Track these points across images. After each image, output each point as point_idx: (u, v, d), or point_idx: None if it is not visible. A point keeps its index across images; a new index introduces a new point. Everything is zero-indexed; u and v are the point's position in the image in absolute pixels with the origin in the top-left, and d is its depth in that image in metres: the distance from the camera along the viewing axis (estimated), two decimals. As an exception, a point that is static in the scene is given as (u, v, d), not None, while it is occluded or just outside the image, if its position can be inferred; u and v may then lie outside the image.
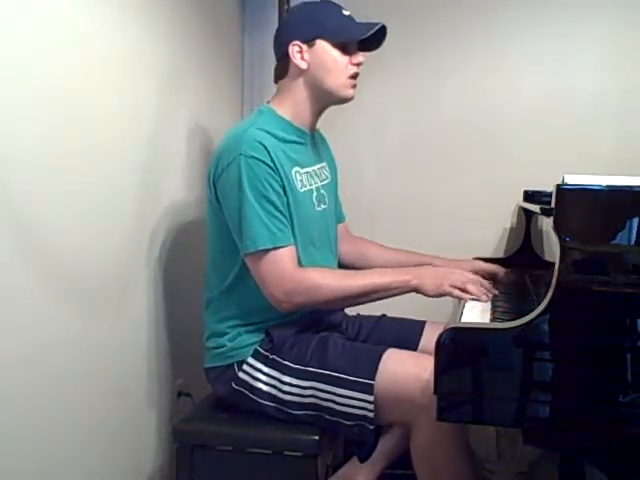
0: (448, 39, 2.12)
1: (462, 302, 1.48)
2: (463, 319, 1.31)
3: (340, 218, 1.79)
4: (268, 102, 1.57)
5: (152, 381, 1.67)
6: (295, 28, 1.51)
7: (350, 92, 1.53)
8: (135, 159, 1.55)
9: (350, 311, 1.73)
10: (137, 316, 1.59)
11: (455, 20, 2.11)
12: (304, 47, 1.48)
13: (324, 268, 1.50)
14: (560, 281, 1.08)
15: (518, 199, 1.76)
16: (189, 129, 1.84)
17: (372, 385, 1.35)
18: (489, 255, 2.07)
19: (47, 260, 1.25)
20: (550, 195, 1.14)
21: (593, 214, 1.13)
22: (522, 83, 2.09)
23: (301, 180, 1.51)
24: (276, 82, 1.58)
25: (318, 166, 1.62)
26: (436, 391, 1.13)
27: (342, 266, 1.75)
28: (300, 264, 1.44)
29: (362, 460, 1.44)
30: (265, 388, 1.44)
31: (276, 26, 2.08)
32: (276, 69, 1.57)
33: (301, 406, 1.42)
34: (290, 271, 1.39)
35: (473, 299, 1.42)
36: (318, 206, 1.57)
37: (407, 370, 1.35)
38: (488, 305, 1.43)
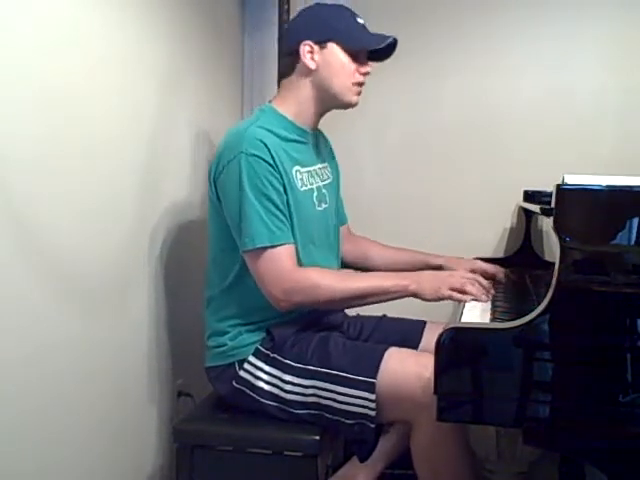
0: (448, 39, 2.12)
1: (462, 302, 1.48)
2: (463, 319, 1.31)
3: (342, 219, 1.79)
4: (270, 101, 1.57)
5: (152, 381, 1.67)
6: (309, 28, 1.50)
7: (354, 98, 1.53)
8: (135, 159, 1.55)
9: (350, 311, 1.73)
10: (137, 316, 1.59)
11: (455, 20, 2.11)
12: (315, 48, 1.48)
13: (324, 268, 1.50)
14: (560, 281, 1.08)
15: (518, 199, 1.76)
16: (189, 129, 1.84)
17: (373, 383, 1.35)
18: (489, 255, 2.07)
19: (47, 260, 1.25)
20: (550, 195, 1.14)
21: (593, 214, 1.13)
22: (522, 83, 2.09)
23: (302, 179, 1.51)
24: (280, 79, 1.58)
25: (319, 166, 1.62)
26: (436, 391, 1.13)
27: (345, 266, 1.75)
28: (300, 263, 1.44)
29: (362, 460, 1.44)
30: (266, 387, 1.44)
31: (276, 26, 2.10)
32: (281, 65, 1.57)
33: (302, 405, 1.42)
34: (288, 270, 1.39)
35: (473, 299, 1.42)
36: (319, 205, 1.57)
37: (408, 369, 1.35)
38: (488, 305, 1.43)
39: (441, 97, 2.15)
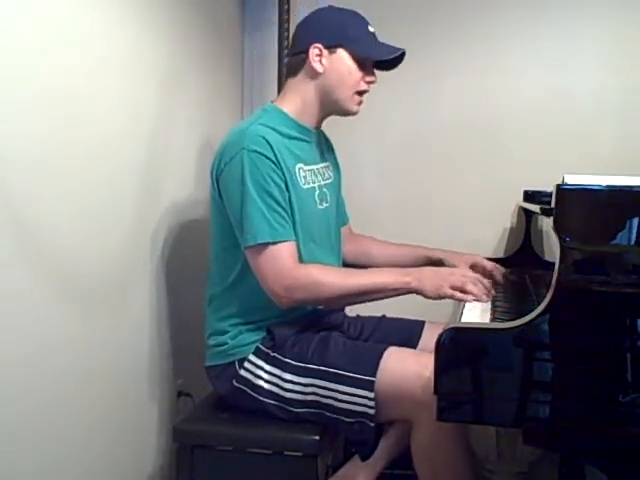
0: (448, 39, 2.12)
1: (462, 302, 1.48)
2: (463, 319, 1.31)
3: (344, 220, 1.79)
4: (272, 101, 1.58)
5: (152, 381, 1.67)
6: (320, 30, 1.51)
7: (355, 107, 1.54)
8: (135, 159, 1.55)
9: (350, 312, 1.73)
10: (137, 316, 1.59)
11: (455, 20, 2.11)
12: (325, 52, 1.48)
13: (324, 265, 1.50)
14: (560, 281, 1.08)
15: (518, 199, 1.76)
16: (189, 129, 1.84)
17: (373, 382, 1.35)
18: (489, 255, 2.07)
19: (47, 260, 1.25)
20: (550, 195, 1.14)
21: (593, 214, 1.13)
22: (522, 83, 2.09)
23: (304, 177, 1.51)
24: (286, 78, 1.58)
25: (322, 165, 1.62)
26: (436, 391, 1.13)
27: (346, 265, 1.75)
28: (301, 261, 1.44)
29: (363, 459, 1.44)
30: (266, 386, 1.44)
31: (276, 26, 2.10)
32: (288, 64, 1.57)
33: (302, 404, 1.42)
34: (290, 266, 1.39)
35: (474, 299, 1.42)
36: (320, 204, 1.57)
37: (408, 368, 1.35)
38: (488, 305, 1.43)
39: (441, 97, 2.15)
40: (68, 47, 1.27)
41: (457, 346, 1.13)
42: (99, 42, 1.37)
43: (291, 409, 1.43)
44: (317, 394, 1.40)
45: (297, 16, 2.10)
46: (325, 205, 1.59)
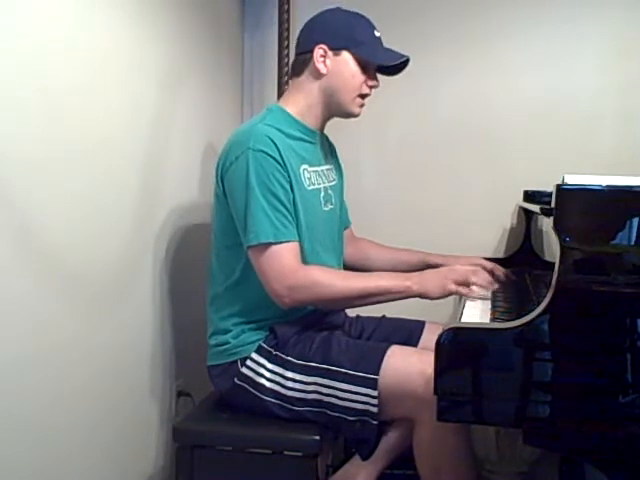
0: (447, 39, 2.12)
1: (462, 301, 1.48)
2: (463, 319, 1.31)
3: (346, 222, 1.80)
4: (277, 101, 1.58)
5: (152, 381, 1.67)
6: (327, 32, 1.51)
7: (357, 110, 1.55)
8: (135, 159, 1.55)
9: (350, 312, 1.73)
10: (137, 316, 1.59)
11: (454, 20, 2.11)
12: (329, 53, 1.49)
13: (327, 267, 1.50)
14: (560, 281, 1.08)
15: (518, 199, 1.76)
16: (189, 129, 1.84)
17: (376, 380, 1.35)
18: (489, 255, 2.07)
19: (47, 260, 1.25)
20: (550, 195, 1.14)
21: (593, 214, 1.13)
22: (522, 83, 2.09)
23: (309, 178, 1.52)
24: (291, 78, 1.59)
25: (326, 167, 1.63)
26: (436, 391, 1.13)
27: (346, 268, 1.75)
28: (304, 262, 1.45)
29: (364, 458, 1.44)
30: (268, 384, 1.44)
31: (276, 26, 2.10)
32: (293, 63, 1.58)
33: (303, 402, 1.42)
34: (292, 267, 1.40)
35: (478, 296, 1.43)
36: (325, 206, 1.57)
37: (411, 366, 1.35)
38: (488, 305, 1.43)
39: (441, 97, 2.15)
40: (68, 47, 1.27)
41: (457, 346, 1.13)
42: (99, 42, 1.37)
43: (293, 407, 1.43)
44: (319, 392, 1.40)
45: (297, 16, 2.10)
46: (330, 207, 1.60)
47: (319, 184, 1.56)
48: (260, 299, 1.46)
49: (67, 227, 1.30)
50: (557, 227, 1.11)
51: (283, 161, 1.42)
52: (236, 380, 1.47)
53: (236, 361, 1.48)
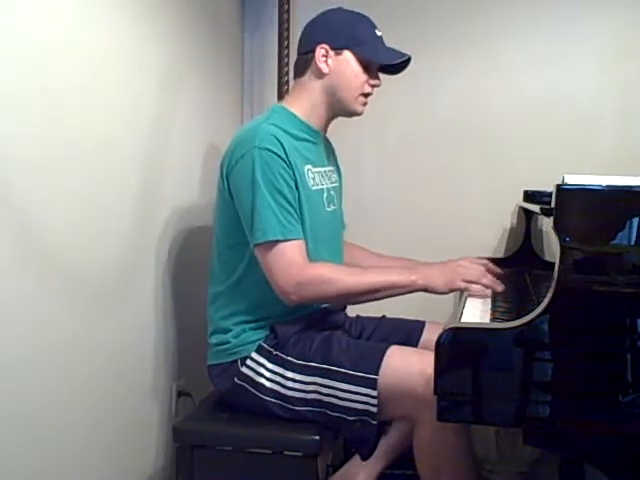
0: (447, 39, 2.12)
1: (462, 301, 1.48)
2: (463, 319, 1.31)
3: (344, 225, 1.79)
4: (280, 101, 1.60)
5: (152, 381, 1.67)
6: (328, 32, 1.52)
7: (360, 108, 1.55)
8: (135, 159, 1.55)
9: (350, 312, 1.73)
10: (137, 317, 1.59)
11: (454, 20, 2.11)
12: (331, 53, 1.50)
13: (332, 264, 1.51)
14: (560, 281, 1.08)
15: (518, 199, 1.76)
16: (189, 129, 1.84)
17: (375, 380, 1.35)
18: (489, 255, 2.07)
19: (48, 260, 1.25)
20: (550, 195, 1.14)
21: (593, 214, 1.12)
22: (522, 83, 2.09)
23: (313, 178, 1.53)
24: (294, 78, 1.59)
25: (328, 168, 1.64)
26: (436, 391, 1.13)
27: None
28: (309, 259, 1.45)
29: (364, 458, 1.45)
30: (268, 384, 1.44)
31: (276, 26, 2.10)
32: (297, 64, 1.58)
33: (303, 402, 1.42)
34: (299, 264, 1.40)
35: (483, 295, 1.44)
36: (328, 206, 1.58)
37: (410, 366, 1.35)
38: (488, 305, 1.43)
39: (441, 97, 2.15)
40: (68, 47, 1.27)
41: (457, 346, 1.13)
42: (99, 42, 1.37)
43: (292, 407, 1.43)
44: (319, 392, 1.40)
45: (297, 16, 2.10)
46: (332, 208, 1.61)
47: (322, 185, 1.57)
48: (261, 298, 1.47)
49: (67, 227, 1.30)
50: (557, 227, 1.10)
51: (288, 160, 1.42)
52: (236, 380, 1.47)
53: (236, 361, 1.48)
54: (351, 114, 1.57)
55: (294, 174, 1.44)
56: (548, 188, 1.19)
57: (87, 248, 1.36)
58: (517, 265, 1.94)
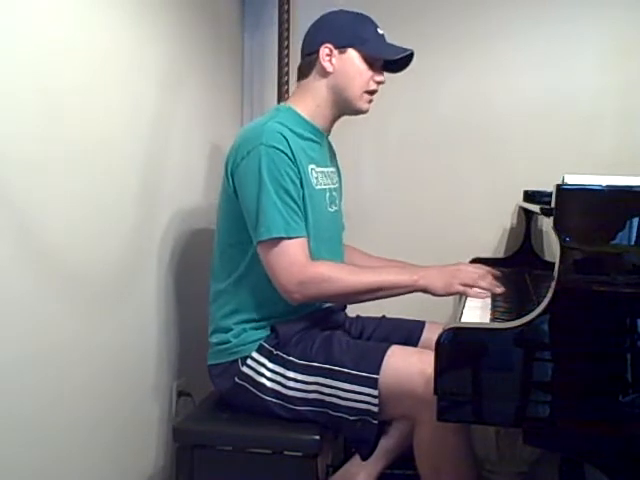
0: (447, 40, 2.12)
1: (462, 301, 1.48)
2: (463, 319, 1.31)
3: (343, 227, 1.80)
4: (285, 101, 1.60)
5: (152, 381, 1.67)
6: (331, 31, 1.53)
7: (365, 106, 1.56)
8: (135, 159, 1.55)
9: (351, 312, 1.73)
10: (137, 317, 1.59)
11: (454, 20, 2.11)
12: (335, 52, 1.51)
13: (334, 263, 1.51)
14: (560, 281, 1.08)
15: (518, 199, 1.76)
16: (189, 129, 1.84)
17: (376, 379, 1.36)
18: (489, 255, 2.08)
19: (48, 260, 1.25)
20: (550, 195, 1.14)
21: (593, 214, 1.13)
22: (522, 83, 2.09)
23: (317, 177, 1.53)
24: (298, 80, 1.60)
25: (330, 169, 1.64)
26: (436, 391, 1.13)
27: None
28: (311, 258, 1.45)
29: (364, 458, 1.45)
30: (268, 384, 1.44)
31: (276, 26, 2.10)
32: (301, 66, 1.59)
33: (304, 402, 1.42)
34: (302, 262, 1.40)
35: (485, 295, 1.44)
36: (330, 207, 1.59)
37: (411, 365, 1.36)
38: (488, 305, 1.43)
39: (441, 97, 2.15)
40: (68, 47, 1.27)
41: (457, 346, 1.13)
42: (99, 42, 1.37)
43: (293, 407, 1.43)
44: (320, 392, 1.40)
45: (297, 16, 2.10)
46: (334, 208, 1.61)
47: (326, 185, 1.57)
48: (262, 296, 1.47)
49: (67, 227, 1.30)
50: (557, 227, 1.10)
51: (294, 158, 1.43)
52: (236, 379, 1.47)
53: (237, 360, 1.48)
54: (356, 112, 1.57)
55: (299, 172, 1.44)
56: (548, 188, 1.19)
57: (87, 248, 1.36)
58: (517, 265, 1.94)
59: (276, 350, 1.46)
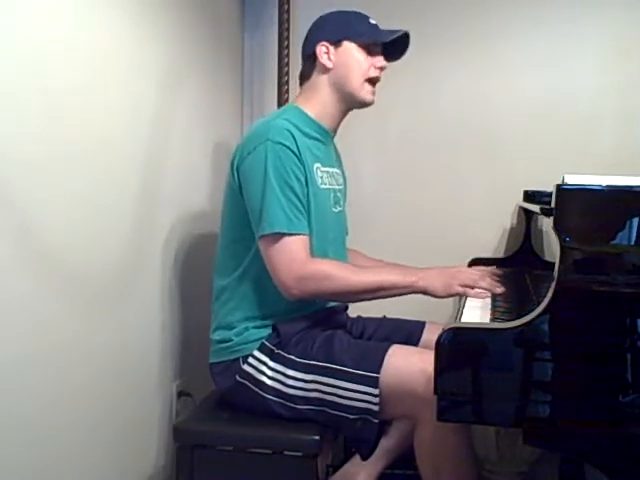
0: (447, 39, 2.12)
1: (462, 301, 1.48)
2: (463, 319, 1.31)
3: (347, 230, 1.80)
4: (292, 102, 1.61)
5: (152, 381, 1.67)
6: (324, 30, 1.56)
7: (369, 97, 1.56)
8: (135, 159, 1.55)
9: (351, 312, 1.73)
10: (137, 317, 1.59)
11: (454, 20, 2.11)
12: (331, 48, 1.53)
13: (335, 261, 1.51)
14: (560, 281, 1.08)
15: (518, 199, 1.76)
16: (189, 129, 1.84)
17: (377, 378, 1.36)
18: (489, 255, 2.08)
19: (48, 260, 1.25)
20: (550, 195, 1.14)
21: (593, 214, 1.12)
22: (522, 83, 2.09)
23: (321, 177, 1.54)
24: (301, 84, 1.61)
25: (335, 170, 1.65)
26: (436, 391, 1.13)
27: None
28: (313, 256, 1.45)
29: (364, 458, 1.44)
30: (269, 382, 1.44)
31: (276, 26, 2.10)
32: (302, 71, 1.61)
33: (305, 400, 1.42)
34: (302, 259, 1.40)
35: (485, 295, 1.44)
36: (334, 207, 1.59)
37: (412, 365, 1.36)
38: (488, 305, 1.43)
39: (441, 97, 2.15)
40: (68, 47, 1.27)
41: (457, 346, 1.13)
42: (99, 42, 1.37)
43: (294, 406, 1.43)
44: (320, 391, 1.40)
45: (297, 16, 2.10)
46: (338, 209, 1.62)
47: (330, 185, 1.58)
48: (265, 293, 1.48)
49: (67, 227, 1.30)
50: (557, 227, 1.10)
51: (300, 155, 1.44)
52: (237, 377, 1.47)
53: (238, 359, 1.48)
54: (361, 104, 1.58)
55: (304, 170, 1.45)
56: (548, 188, 1.19)
57: (87, 248, 1.36)
58: (517, 265, 1.94)
59: (277, 349, 1.46)
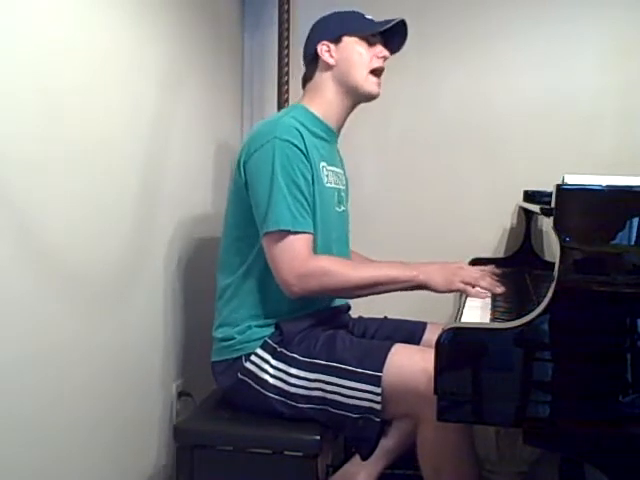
0: (447, 39, 2.13)
1: (462, 301, 1.48)
2: (463, 319, 1.31)
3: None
4: (298, 101, 1.61)
5: (152, 381, 1.67)
6: (322, 30, 1.58)
7: (374, 88, 1.57)
8: (135, 159, 1.55)
9: (353, 313, 1.73)
10: (137, 316, 1.59)
11: (454, 20, 2.11)
12: (332, 45, 1.55)
13: (335, 257, 1.52)
14: (560, 281, 1.08)
15: (518, 199, 1.76)
16: (189, 129, 1.84)
17: (379, 377, 1.36)
18: (489, 255, 2.08)
19: (48, 260, 1.25)
20: (550, 195, 1.14)
21: (593, 214, 1.12)
22: (522, 83, 2.09)
23: (327, 175, 1.54)
24: (304, 86, 1.62)
25: (339, 170, 1.65)
26: (436, 391, 1.13)
27: None
28: (316, 254, 1.46)
29: (364, 458, 1.44)
30: (271, 380, 1.44)
31: (276, 26, 2.10)
32: (305, 73, 1.62)
33: (307, 399, 1.42)
34: (304, 256, 1.41)
35: (485, 294, 1.44)
36: (338, 206, 1.60)
37: (414, 364, 1.36)
38: (488, 305, 1.43)
39: (441, 97, 2.15)
40: (68, 47, 1.27)
41: (457, 346, 1.13)
42: (99, 42, 1.37)
43: (295, 405, 1.43)
44: (323, 390, 1.40)
45: (297, 16, 2.10)
46: (342, 209, 1.62)
47: (335, 184, 1.59)
48: (268, 292, 1.48)
49: (67, 227, 1.30)
50: (557, 227, 1.10)
51: (307, 153, 1.44)
52: (239, 375, 1.47)
53: (240, 357, 1.48)
54: (367, 97, 1.58)
55: (311, 168, 1.46)
56: (548, 188, 1.19)
57: (87, 248, 1.36)
58: (517, 265, 1.94)
59: (280, 347, 1.46)
